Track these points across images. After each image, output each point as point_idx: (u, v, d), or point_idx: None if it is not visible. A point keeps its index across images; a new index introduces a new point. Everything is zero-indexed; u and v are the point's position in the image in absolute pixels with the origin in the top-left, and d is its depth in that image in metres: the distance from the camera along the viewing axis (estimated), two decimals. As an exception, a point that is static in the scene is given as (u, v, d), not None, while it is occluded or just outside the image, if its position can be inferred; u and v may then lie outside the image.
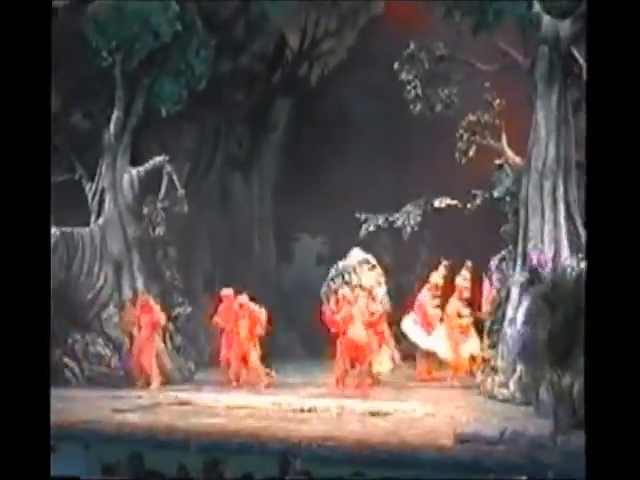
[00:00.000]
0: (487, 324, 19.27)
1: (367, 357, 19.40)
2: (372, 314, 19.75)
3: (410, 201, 23.41)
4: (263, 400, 18.59)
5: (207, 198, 24.47)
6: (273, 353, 21.54)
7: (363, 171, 22.72)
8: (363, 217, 23.60)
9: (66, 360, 21.74)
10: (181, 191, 22.62)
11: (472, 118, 19.95)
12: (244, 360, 20.44)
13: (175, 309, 21.93)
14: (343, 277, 21.06)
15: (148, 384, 20.69)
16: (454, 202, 22.15)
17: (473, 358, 19.73)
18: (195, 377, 21.81)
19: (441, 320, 20.60)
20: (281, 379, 20.81)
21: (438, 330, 20.52)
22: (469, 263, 20.32)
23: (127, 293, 22.19)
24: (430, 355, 20.79)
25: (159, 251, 22.98)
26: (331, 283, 21.15)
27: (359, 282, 20.64)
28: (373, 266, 21.33)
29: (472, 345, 19.79)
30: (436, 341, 20.51)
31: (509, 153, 19.47)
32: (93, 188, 22.74)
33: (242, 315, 20.38)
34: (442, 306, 20.69)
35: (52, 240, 22.00)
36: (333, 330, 19.83)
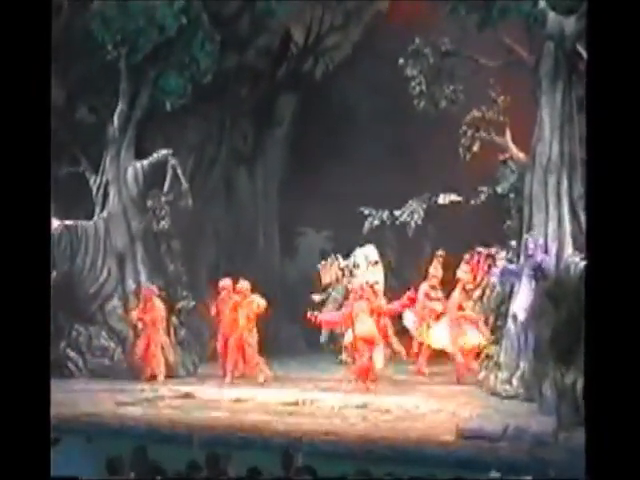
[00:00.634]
0: (491, 320, 19.29)
1: (376, 351, 19.42)
2: (378, 308, 19.75)
3: (414, 197, 23.44)
4: (266, 394, 18.62)
5: (211, 192, 24.49)
6: (276, 347, 21.57)
7: (367, 166, 22.70)
8: (367, 212, 23.62)
9: (69, 352, 21.80)
10: (185, 185, 22.65)
11: (476, 114, 19.93)
12: (241, 351, 20.42)
13: (179, 303, 21.94)
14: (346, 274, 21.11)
15: (153, 377, 20.71)
16: (458, 198, 22.18)
17: (473, 350, 19.70)
18: (199, 371, 21.81)
19: (442, 313, 20.61)
20: (284, 373, 20.86)
21: (438, 323, 20.53)
22: (467, 255, 20.28)
23: (130, 286, 22.22)
24: (430, 348, 20.79)
25: (163, 244, 23.02)
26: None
27: (362, 278, 20.61)
28: (376, 262, 21.33)
29: (473, 338, 19.76)
30: (436, 334, 20.51)
31: (513, 149, 19.46)
32: (97, 181, 22.77)
33: (241, 304, 20.36)
34: (444, 298, 20.69)
35: (56, 233, 22.05)
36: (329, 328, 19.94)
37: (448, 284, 20.73)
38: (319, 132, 24.37)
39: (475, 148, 19.94)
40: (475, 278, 19.93)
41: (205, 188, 24.09)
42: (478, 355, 19.45)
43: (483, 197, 21.18)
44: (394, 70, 21.24)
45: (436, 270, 20.86)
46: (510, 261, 19.05)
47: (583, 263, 16.43)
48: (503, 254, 19.64)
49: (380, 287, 20.43)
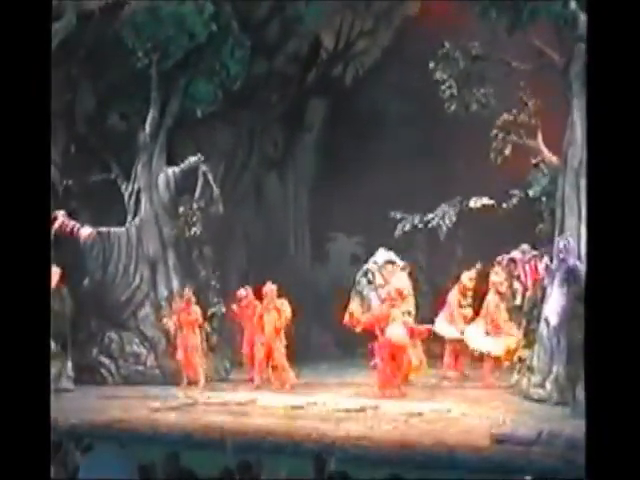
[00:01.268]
0: (524, 323, 19.24)
1: (406, 357, 19.35)
2: (408, 314, 19.71)
3: (445, 201, 23.42)
4: (297, 399, 18.61)
5: (242, 198, 24.58)
6: (307, 352, 21.57)
7: (398, 171, 22.71)
8: (398, 217, 23.62)
9: (102, 359, 21.93)
10: (216, 191, 22.75)
11: (508, 117, 19.93)
12: (269, 358, 20.41)
13: (210, 309, 21.99)
14: (367, 277, 21.05)
15: (190, 383, 20.76)
16: (490, 202, 22.11)
17: (510, 353, 19.63)
18: (230, 376, 21.84)
19: (472, 319, 20.57)
20: (316, 379, 20.84)
21: (470, 327, 20.49)
22: (499, 258, 20.22)
23: (163, 292, 22.33)
24: (459, 352, 20.74)
25: (195, 251, 23.10)
26: (357, 285, 21.15)
27: (388, 283, 20.55)
28: (403, 267, 21.27)
29: (508, 340, 19.70)
30: (471, 335, 20.48)
31: (545, 152, 19.44)
32: (129, 188, 22.90)
33: (267, 308, 20.36)
34: (474, 305, 20.64)
35: (88, 240, 22.16)
36: (359, 329, 19.92)
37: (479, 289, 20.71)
38: (349, 137, 24.42)
39: (506, 151, 19.94)
40: (519, 278, 19.87)
41: (236, 194, 24.17)
42: (511, 358, 19.39)
43: (515, 200, 21.12)
44: (424, 74, 21.26)
45: (470, 280, 20.81)
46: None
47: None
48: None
49: (408, 292, 20.31)
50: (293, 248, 25.73)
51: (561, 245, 17.98)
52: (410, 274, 21.14)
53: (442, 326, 20.90)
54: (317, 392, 19.47)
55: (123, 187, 22.93)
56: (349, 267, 24.93)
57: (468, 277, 20.86)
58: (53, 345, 20.43)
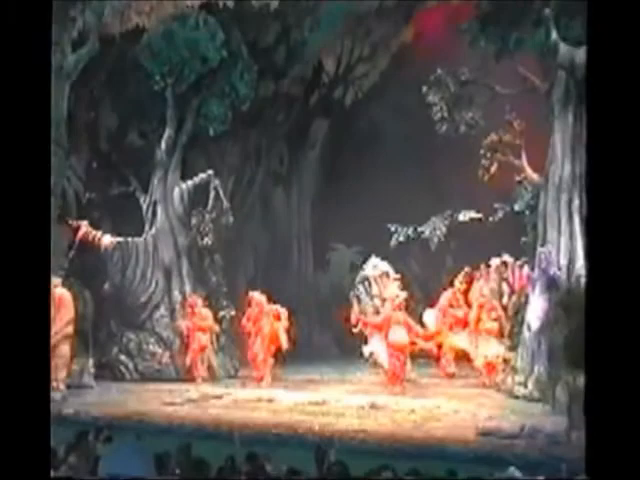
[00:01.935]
0: (508, 328, 19.24)
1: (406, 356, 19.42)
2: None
3: (436, 214, 23.44)
4: (300, 396, 18.64)
5: (250, 210, 24.61)
6: (309, 352, 21.59)
7: (394, 186, 22.75)
8: (394, 228, 23.65)
9: (121, 357, 21.96)
10: (226, 203, 22.82)
11: (494, 138, 19.98)
12: (267, 354, 20.48)
13: (220, 312, 22.04)
14: (364, 285, 21.05)
15: (202, 380, 20.81)
16: (477, 215, 22.14)
17: (490, 362, 19.58)
18: (239, 374, 21.86)
19: (462, 319, 20.61)
20: (317, 377, 20.84)
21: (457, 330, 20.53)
22: (491, 261, 20.16)
23: (177, 297, 22.37)
24: (452, 350, 20.76)
25: (206, 258, 23.15)
26: (356, 290, 21.16)
27: (381, 293, 20.55)
28: (395, 278, 21.25)
29: (491, 348, 19.64)
30: (455, 336, 20.53)
31: (528, 170, 19.47)
32: (147, 200, 22.94)
33: (260, 315, 20.46)
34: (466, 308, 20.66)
35: (109, 248, 22.24)
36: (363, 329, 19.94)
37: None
38: (349, 154, 24.48)
39: (493, 169, 19.98)
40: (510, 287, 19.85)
41: (244, 206, 24.21)
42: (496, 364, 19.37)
43: (500, 214, 21.16)
44: (418, 97, 21.35)
45: (461, 284, 20.86)
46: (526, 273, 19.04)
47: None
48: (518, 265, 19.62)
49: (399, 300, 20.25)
50: (297, 257, 25.74)
51: (543, 256, 18.04)
52: (403, 283, 21.16)
53: (429, 319, 20.89)
54: (318, 389, 19.51)
55: (141, 200, 22.98)
56: (349, 275, 24.94)
57: (459, 280, 20.94)
58: (76, 344, 20.54)
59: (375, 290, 20.74)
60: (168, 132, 22.75)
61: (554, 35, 17.97)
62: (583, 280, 16.64)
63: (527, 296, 18.31)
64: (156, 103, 22.60)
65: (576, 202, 18.07)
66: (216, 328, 21.60)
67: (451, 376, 20.71)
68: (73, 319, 19.81)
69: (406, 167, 22.70)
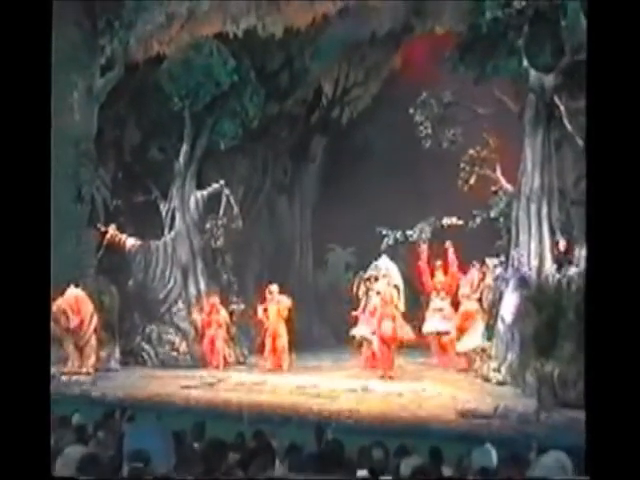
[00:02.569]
0: (484, 321, 19.22)
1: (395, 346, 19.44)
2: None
3: (422, 220, 23.37)
4: (301, 380, 18.65)
5: (257, 216, 24.62)
6: (309, 342, 21.59)
7: (384, 195, 22.77)
8: (384, 232, 23.62)
9: (143, 345, 21.95)
10: (236, 210, 22.85)
11: (473, 153, 19.98)
12: (274, 341, 20.48)
13: (231, 306, 22.06)
14: (366, 285, 21.03)
15: (217, 366, 20.83)
16: (458, 221, 22.10)
17: (467, 353, 19.59)
18: (247, 361, 21.87)
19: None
20: (316, 364, 20.85)
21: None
22: (474, 262, 20.04)
23: (192, 292, 22.43)
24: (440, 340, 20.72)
25: (218, 259, 23.20)
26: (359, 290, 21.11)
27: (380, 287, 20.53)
28: (384, 275, 21.22)
29: (470, 341, 19.62)
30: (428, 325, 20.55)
31: (503, 181, 19.49)
32: (166, 207, 22.98)
33: (270, 300, 20.47)
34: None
35: (132, 250, 22.30)
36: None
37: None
38: (345, 167, 24.48)
39: (472, 181, 19.98)
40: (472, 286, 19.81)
41: (252, 212, 24.22)
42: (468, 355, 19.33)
43: (478, 220, 21.13)
44: (405, 117, 21.36)
45: (437, 277, 20.85)
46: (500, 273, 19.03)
47: (559, 275, 16.48)
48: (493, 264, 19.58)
49: (386, 295, 20.16)
50: (298, 257, 25.74)
51: (515, 257, 18.09)
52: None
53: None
54: (317, 374, 19.50)
55: (161, 206, 23.02)
56: (344, 273, 25.07)
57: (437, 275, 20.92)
58: (104, 334, 20.60)
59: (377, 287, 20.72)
60: (185, 147, 22.81)
61: (525, 63, 18.05)
62: (550, 278, 16.70)
63: (501, 293, 18.34)
64: (175, 122, 22.67)
65: (544, 210, 18.11)
66: (227, 320, 21.62)
67: (436, 364, 20.67)
68: (94, 313, 19.89)
69: (395, 178, 22.72)
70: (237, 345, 21.94)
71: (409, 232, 23.32)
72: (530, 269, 17.64)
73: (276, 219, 25.64)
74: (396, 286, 20.73)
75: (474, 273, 19.63)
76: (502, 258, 19.16)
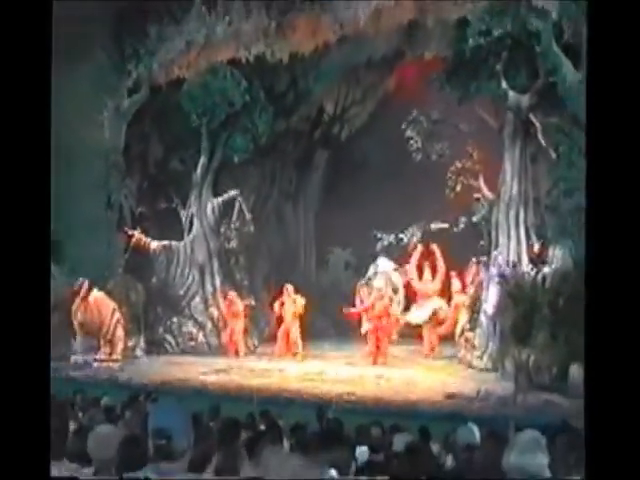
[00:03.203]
0: (468, 314, 19.22)
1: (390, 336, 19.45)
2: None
3: (413, 224, 23.42)
4: (305, 366, 18.68)
5: (266, 221, 24.62)
6: (312, 333, 21.57)
7: (379, 202, 22.74)
8: (379, 235, 23.66)
9: (166, 336, 21.99)
10: (248, 216, 22.91)
11: (458, 165, 20.07)
12: (287, 335, 20.50)
13: (243, 301, 22.06)
14: (367, 283, 21.04)
15: (236, 354, 20.81)
16: (445, 225, 22.14)
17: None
18: (257, 350, 21.87)
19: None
20: (318, 353, 20.84)
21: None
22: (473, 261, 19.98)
23: (209, 289, 22.46)
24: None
25: (232, 259, 23.24)
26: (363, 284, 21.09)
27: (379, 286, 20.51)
28: (381, 273, 21.23)
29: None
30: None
31: (484, 190, 19.51)
32: (185, 213, 23.01)
33: (288, 300, 20.46)
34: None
35: (157, 251, 22.33)
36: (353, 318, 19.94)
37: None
38: (344, 177, 24.46)
39: (457, 189, 20.07)
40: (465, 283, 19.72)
41: (262, 218, 24.22)
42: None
43: (463, 225, 21.20)
44: (398, 133, 21.47)
45: (425, 276, 20.81)
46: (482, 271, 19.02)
47: (534, 273, 16.48)
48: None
49: (383, 291, 20.12)
50: (302, 257, 25.74)
51: (495, 257, 18.10)
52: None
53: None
54: (319, 362, 19.54)
55: (181, 212, 23.04)
56: (343, 272, 25.08)
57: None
58: (130, 326, 20.64)
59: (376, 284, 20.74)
60: (202, 160, 22.83)
61: (504, 85, 18.08)
62: (527, 276, 16.70)
63: (483, 289, 18.36)
64: (193, 137, 22.68)
65: (521, 215, 18.14)
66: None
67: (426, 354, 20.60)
68: (115, 309, 19.93)
69: (389, 187, 22.70)
70: (248, 336, 21.93)
71: (401, 235, 23.39)
72: (508, 267, 17.64)
73: (283, 223, 25.65)
74: (393, 283, 20.83)
75: (470, 271, 19.54)
76: (484, 258, 19.16)
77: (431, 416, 12.78)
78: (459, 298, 19.50)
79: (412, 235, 23.25)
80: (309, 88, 23.19)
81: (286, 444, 7.79)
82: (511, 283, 16.84)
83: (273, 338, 21.18)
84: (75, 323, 19.81)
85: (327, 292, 23.18)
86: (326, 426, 9.38)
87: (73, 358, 20.17)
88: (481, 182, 19.52)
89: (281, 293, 20.65)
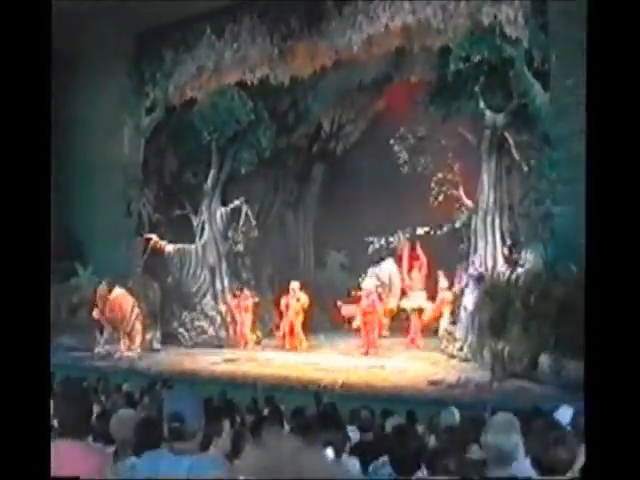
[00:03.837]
0: (451, 309, 19.21)
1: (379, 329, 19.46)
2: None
3: (401, 229, 23.37)
4: (304, 357, 18.70)
5: (270, 227, 24.61)
6: (311, 327, 21.59)
7: (370, 209, 22.76)
8: (370, 239, 23.63)
9: (180, 330, 22.01)
10: (253, 222, 22.92)
11: (440, 176, 20.02)
12: (291, 329, 20.50)
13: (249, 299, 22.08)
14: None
15: (244, 345, 20.77)
16: (430, 230, 22.09)
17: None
18: (262, 342, 21.88)
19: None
20: (316, 345, 20.86)
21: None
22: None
23: (218, 288, 22.46)
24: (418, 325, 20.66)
25: (239, 261, 23.23)
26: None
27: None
28: (371, 274, 21.19)
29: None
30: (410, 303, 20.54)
31: (464, 199, 19.50)
32: (197, 220, 23.02)
33: (293, 297, 20.44)
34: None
35: (172, 253, 22.34)
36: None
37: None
38: (339, 188, 24.45)
39: (440, 198, 20.00)
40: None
41: (265, 224, 24.22)
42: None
43: (445, 230, 21.09)
44: (387, 148, 21.45)
45: (414, 273, 20.88)
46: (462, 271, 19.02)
47: (508, 272, 16.50)
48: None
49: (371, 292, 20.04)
50: (302, 260, 25.71)
51: (474, 259, 18.11)
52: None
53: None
54: (316, 353, 19.55)
55: (193, 219, 23.05)
56: (339, 272, 25.08)
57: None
58: (148, 320, 20.68)
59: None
60: (212, 172, 22.85)
61: (481, 105, 18.11)
62: (502, 275, 16.71)
63: (464, 287, 18.37)
64: (204, 152, 22.69)
65: (497, 221, 18.17)
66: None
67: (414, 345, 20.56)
68: (134, 305, 19.99)
69: (379, 196, 22.70)
70: (253, 330, 21.93)
71: (390, 239, 23.34)
72: (486, 269, 17.68)
73: (285, 229, 25.65)
74: (383, 283, 20.85)
75: (456, 272, 19.47)
76: (464, 260, 19.18)
77: (417, 401, 12.84)
78: (444, 295, 19.49)
79: (400, 239, 23.19)
80: (308, 108, 23.20)
81: (287, 426, 7.81)
82: (488, 282, 16.87)
83: (276, 332, 21.21)
84: (101, 318, 19.90)
85: (324, 290, 23.15)
86: (323, 410, 9.41)
87: (97, 349, 20.21)
88: (461, 192, 19.52)
89: (287, 291, 20.67)
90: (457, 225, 20.29)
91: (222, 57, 20.24)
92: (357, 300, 19.91)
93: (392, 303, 20.74)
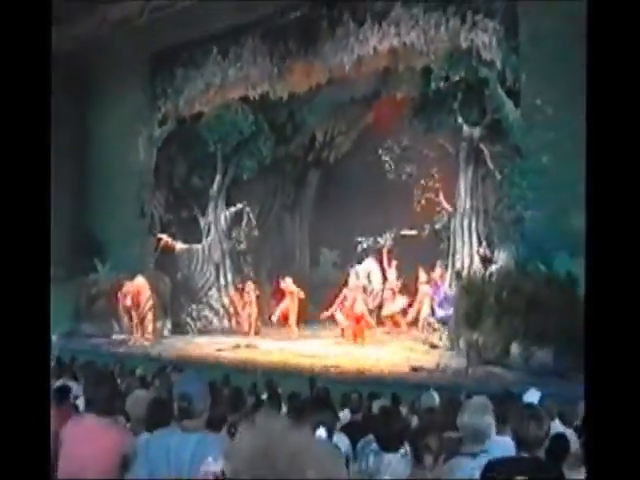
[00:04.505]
0: (431, 303, 19.18)
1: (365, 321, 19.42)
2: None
3: (387, 230, 23.38)
4: (299, 345, 18.68)
5: (269, 227, 24.63)
6: (307, 319, 21.57)
7: (360, 212, 22.75)
8: (359, 240, 23.63)
9: (187, 320, 21.99)
10: (254, 223, 22.95)
11: (423, 183, 20.06)
12: (285, 319, 20.45)
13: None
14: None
15: (247, 334, 20.67)
16: (413, 232, 22.10)
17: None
18: (261, 332, 21.86)
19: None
20: (310, 333, 20.85)
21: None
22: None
23: (222, 282, 22.50)
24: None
25: (241, 258, 23.24)
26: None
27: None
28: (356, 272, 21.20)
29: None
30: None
31: (444, 203, 19.54)
32: (204, 221, 23.02)
33: (287, 289, 20.44)
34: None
35: (181, 251, 22.31)
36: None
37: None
38: (333, 193, 24.45)
39: (422, 202, 20.05)
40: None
41: (265, 225, 24.24)
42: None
43: (427, 232, 21.14)
44: (375, 157, 21.48)
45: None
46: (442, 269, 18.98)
47: (483, 270, 16.55)
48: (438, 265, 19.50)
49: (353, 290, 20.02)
50: (298, 257, 25.69)
51: (453, 258, 18.14)
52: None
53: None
54: (311, 341, 19.53)
55: (200, 220, 23.05)
56: (331, 269, 25.08)
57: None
58: (159, 311, 20.66)
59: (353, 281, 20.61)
60: (218, 177, 22.85)
61: (460, 120, 18.17)
62: (477, 272, 16.76)
63: (442, 283, 18.39)
64: (210, 159, 22.70)
65: (473, 224, 18.23)
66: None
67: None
68: (150, 297, 19.99)
69: (368, 200, 22.68)
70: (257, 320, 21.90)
71: (378, 239, 23.37)
72: (463, 267, 17.71)
73: (282, 229, 25.65)
74: (368, 280, 20.85)
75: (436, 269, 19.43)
76: (444, 259, 19.20)
77: (400, 385, 12.82)
78: (424, 289, 19.51)
79: (386, 240, 23.19)
80: (304, 120, 23.22)
81: (284, 408, 7.82)
82: (464, 278, 16.90)
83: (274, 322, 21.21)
84: (120, 307, 19.92)
85: (318, 285, 23.13)
86: (316, 393, 9.41)
87: (114, 336, 20.21)
88: (441, 197, 19.56)
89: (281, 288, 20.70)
90: (437, 227, 20.33)
91: (227, 75, 20.27)
92: (341, 300, 19.76)
93: (374, 302, 20.65)
